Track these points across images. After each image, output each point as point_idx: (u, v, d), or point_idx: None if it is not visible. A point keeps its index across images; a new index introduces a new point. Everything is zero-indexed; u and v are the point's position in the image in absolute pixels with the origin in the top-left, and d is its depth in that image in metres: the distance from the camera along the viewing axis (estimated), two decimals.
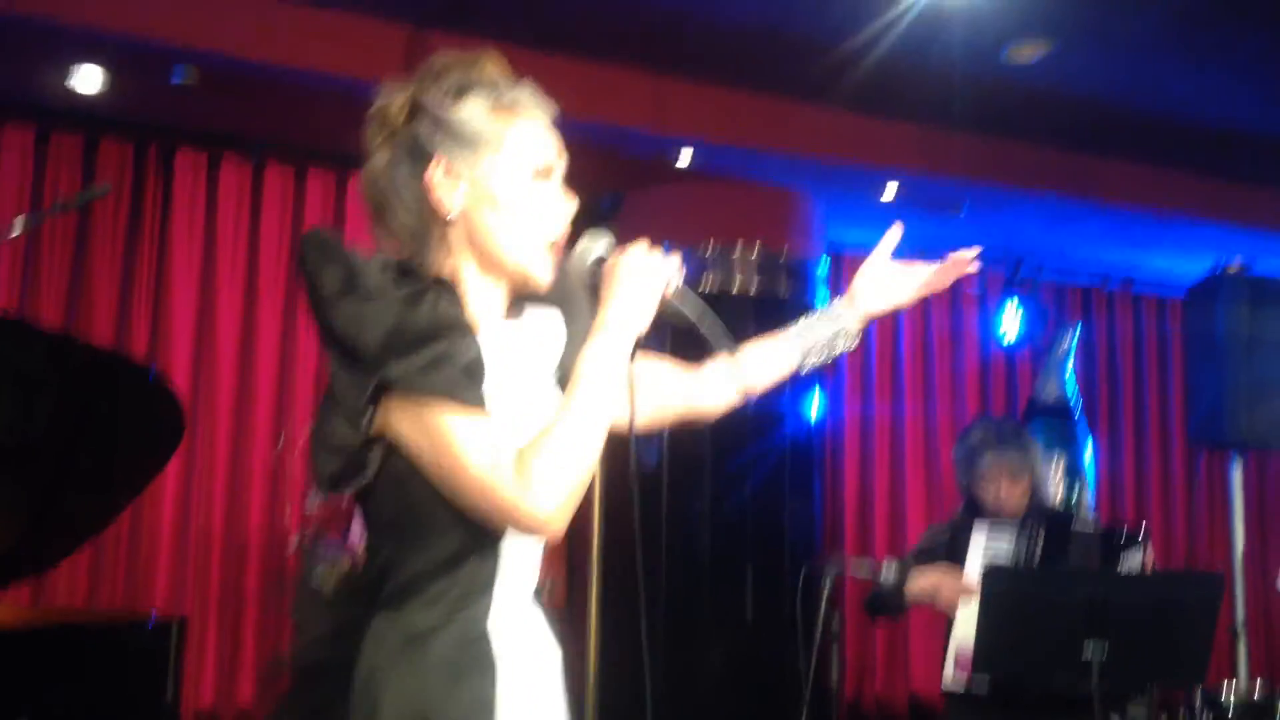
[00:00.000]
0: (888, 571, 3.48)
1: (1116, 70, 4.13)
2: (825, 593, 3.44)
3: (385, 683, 1.36)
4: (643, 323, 1.45)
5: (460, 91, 1.48)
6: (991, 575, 2.95)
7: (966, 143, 4.66)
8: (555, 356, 1.54)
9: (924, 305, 5.72)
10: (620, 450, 4.93)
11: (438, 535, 1.40)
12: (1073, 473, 5.22)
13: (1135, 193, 4.97)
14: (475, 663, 1.40)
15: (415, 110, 1.48)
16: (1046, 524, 3.31)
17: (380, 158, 1.49)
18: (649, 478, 4.55)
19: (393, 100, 1.49)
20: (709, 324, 1.50)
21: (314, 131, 4.38)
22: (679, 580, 4.45)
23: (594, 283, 1.50)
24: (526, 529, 1.37)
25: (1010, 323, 5.48)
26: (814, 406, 4.69)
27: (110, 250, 4.35)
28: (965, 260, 1.79)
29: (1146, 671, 2.98)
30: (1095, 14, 3.70)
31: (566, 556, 4.91)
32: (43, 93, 4.01)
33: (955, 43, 3.80)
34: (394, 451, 1.38)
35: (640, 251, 1.48)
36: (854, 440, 5.49)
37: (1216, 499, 6.04)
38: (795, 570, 3.94)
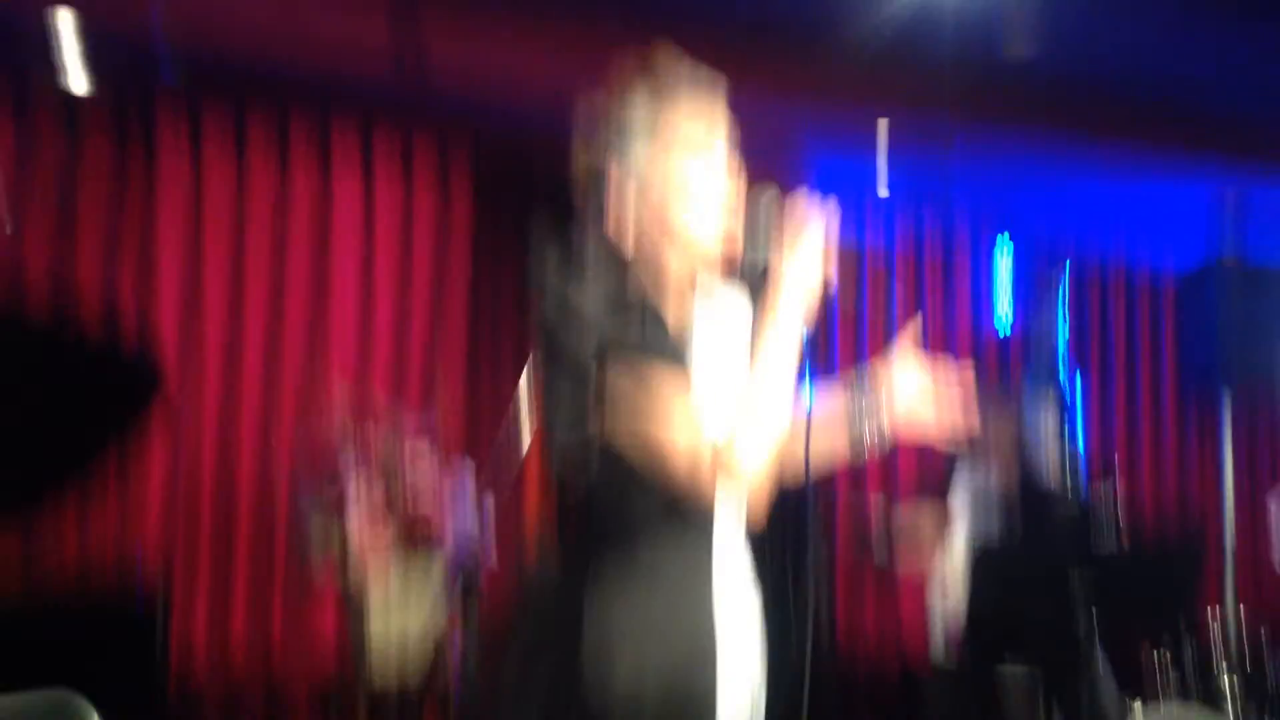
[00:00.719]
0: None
1: (1114, 50, 4.05)
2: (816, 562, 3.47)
3: (623, 657, 1.54)
4: (810, 301, 1.60)
5: (635, 108, 1.68)
6: (979, 556, 2.97)
7: (963, 124, 4.57)
8: (746, 333, 1.69)
9: (916, 279, 5.65)
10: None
11: (657, 522, 1.58)
12: (1063, 439, 5.21)
13: (1135, 174, 4.91)
14: (703, 644, 1.59)
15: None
16: (1025, 496, 3.33)
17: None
18: None
19: (579, 160, 1.74)
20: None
21: (296, 74, 4.29)
22: None
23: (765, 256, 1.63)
24: (727, 506, 1.55)
25: (1004, 302, 5.47)
26: (806, 382, 4.66)
27: (96, 200, 4.26)
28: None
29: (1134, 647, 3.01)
30: None
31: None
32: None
33: (948, 26, 3.72)
34: (617, 440, 1.55)
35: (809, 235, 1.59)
36: None
37: (1207, 436, 6.06)
38: (786, 547, 3.94)
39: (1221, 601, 4.88)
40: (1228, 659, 3.78)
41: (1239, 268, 4.82)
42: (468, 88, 4.29)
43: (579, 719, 1.54)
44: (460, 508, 3.57)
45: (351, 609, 3.42)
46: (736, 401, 1.55)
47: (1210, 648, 3.75)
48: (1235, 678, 3.69)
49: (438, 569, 3.41)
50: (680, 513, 1.58)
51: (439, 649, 2.11)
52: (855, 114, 4.49)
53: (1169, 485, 6.12)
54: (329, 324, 4.54)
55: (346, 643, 3.54)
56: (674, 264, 1.66)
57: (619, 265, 1.61)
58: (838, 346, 5.37)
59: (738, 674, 1.64)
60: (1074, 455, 5.16)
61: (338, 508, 3.39)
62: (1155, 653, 3.59)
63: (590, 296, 1.55)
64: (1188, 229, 5.25)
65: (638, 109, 1.66)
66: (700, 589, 1.61)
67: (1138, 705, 3.41)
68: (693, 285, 1.69)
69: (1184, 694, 3.59)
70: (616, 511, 1.58)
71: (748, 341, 1.67)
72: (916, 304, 5.57)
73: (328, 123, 4.60)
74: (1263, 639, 4.23)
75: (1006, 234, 5.44)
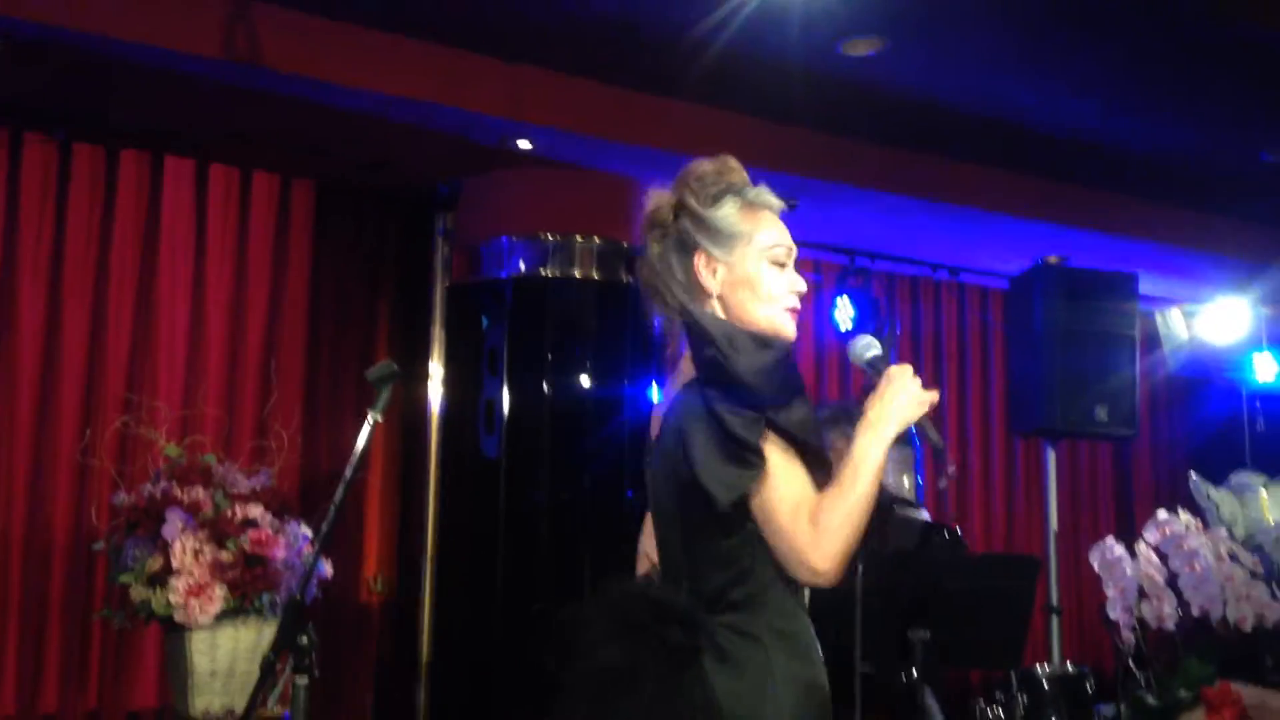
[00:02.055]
0: None
1: (945, 70, 4.25)
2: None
3: (770, 663, 1.77)
4: (899, 429, 1.84)
5: (717, 197, 1.92)
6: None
7: (803, 137, 4.72)
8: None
9: None
10: (460, 441, 4.78)
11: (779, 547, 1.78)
12: (904, 459, 5.38)
13: (963, 190, 5.12)
14: (817, 652, 1.85)
15: (680, 211, 1.93)
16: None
17: (654, 249, 1.95)
18: (487, 466, 4.47)
19: (662, 204, 1.95)
20: (941, 449, 2.11)
21: (127, 108, 4.12)
22: (516, 570, 4.39)
23: (868, 374, 1.95)
24: (807, 572, 1.77)
25: (844, 312, 5.59)
26: (654, 395, 4.69)
27: None
28: None
29: (967, 654, 3.08)
30: (926, 13, 3.79)
31: (399, 547, 4.79)
32: None
33: (792, 36, 3.83)
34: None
35: (911, 375, 1.87)
36: None
37: (1033, 484, 6.32)
38: (633, 560, 3.93)
39: (1049, 654, 5.08)
40: (1055, 710, 3.90)
41: (1062, 269, 5.10)
42: (310, 124, 4.20)
43: None
44: (294, 554, 3.42)
45: (173, 640, 3.22)
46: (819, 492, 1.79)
47: (1039, 700, 3.86)
48: None
49: (270, 605, 3.25)
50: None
51: (266, 681, 2.00)
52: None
53: (997, 536, 6.35)
54: (155, 369, 4.31)
55: (167, 672, 3.33)
56: (749, 319, 1.90)
57: (780, 342, 1.85)
58: None
59: None
60: (913, 484, 5.31)
61: (161, 553, 3.21)
62: (986, 706, 3.68)
63: (766, 366, 1.78)
64: (1017, 237, 5.51)
65: (730, 218, 1.90)
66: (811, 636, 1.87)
67: None
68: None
69: None
70: (751, 555, 1.80)
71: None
72: None
73: (159, 157, 4.41)
74: (1088, 690, 4.40)
75: (846, 295, 5.59)
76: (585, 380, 4.52)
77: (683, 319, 1.88)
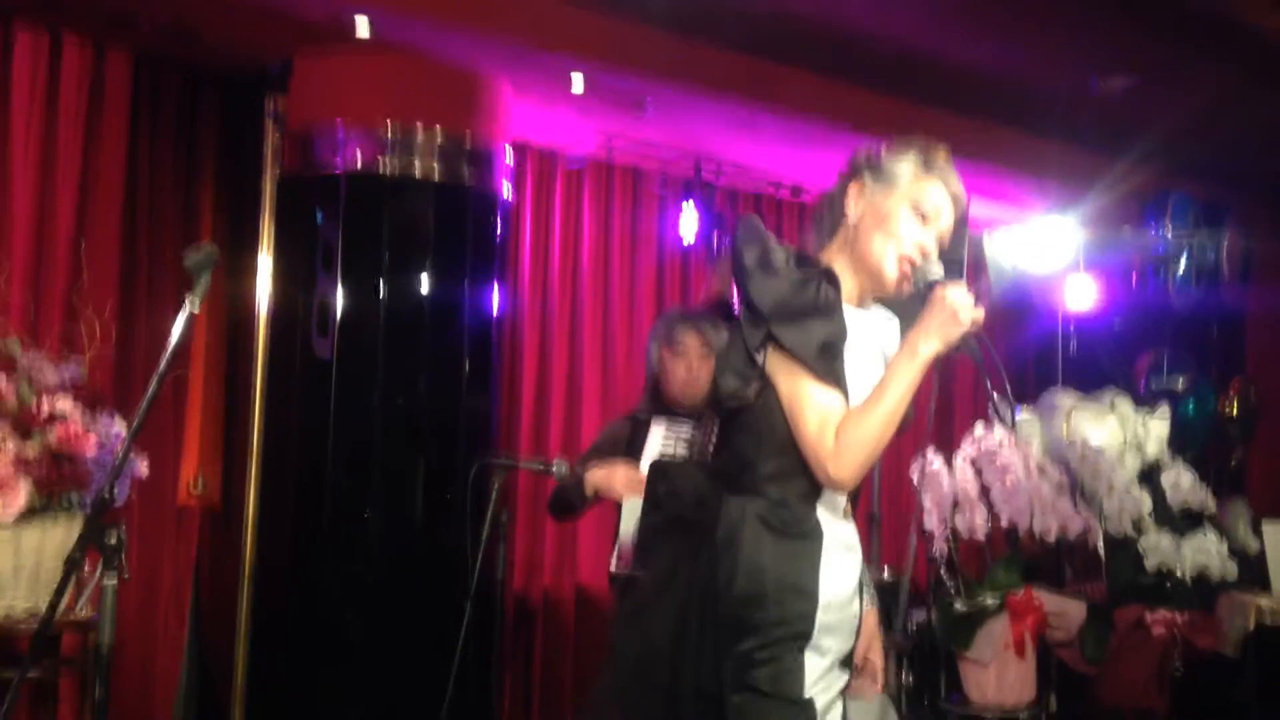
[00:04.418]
0: (560, 467, 3.49)
1: None
2: (495, 489, 3.42)
3: (755, 541, 2.00)
4: (943, 349, 1.99)
5: (902, 152, 2.16)
6: (656, 470, 3.00)
7: (654, 39, 4.63)
8: (889, 349, 2.12)
9: (605, 202, 5.71)
10: (290, 341, 4.59)
11: (784, 452, 2.03)
12: None
13: (811, 104, 5.13)
14: (812, 546, 2.03)
15: (868, 157, 2.19)
16: (720, 417, 3.41)
17: (838, 186, 2.21)
18: (319, 368, 4.31)
19: (862, 151, 2.22)
20: (993, 370, 2.03)
21: None
22: (347, 476, 4.28)
23: (924, 297, 2.05)
24: (826, 479, 2.01)
25: (688, 224, 5.58)
26: (493, 301, 4.59)
27: None
28: None
29: None
30: None
31: (224, 451, 4.60)
32: None
33: None
34: (768, 385, 2.03)
35: (960, 293, 2.00)
36: (533, 337, 5.46)
37: None
38: (468, 466, 3.88)
39: (869, 561, 5.29)
40: None
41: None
42: None
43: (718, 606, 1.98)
44: (106, 451, 3.23)
45: None
46: (859, 405, 2.00)
47: None
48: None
49: (80, 503, 3.07)
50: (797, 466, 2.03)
51: (70, 580, 1.88)
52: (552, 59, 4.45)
53: None
54: None
55: None
56: (857, 281, 2.13)
57: (815, 270, 2.05)
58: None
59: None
60: None
61: None
62: None
63: (781, 288, 1.99)
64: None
65: (901, 166, 2.12)
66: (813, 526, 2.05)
67: None
68: (862, 301, 2.15)
69: None
70: (756, 450, 2.05)
71: (886, 357, 2.10)
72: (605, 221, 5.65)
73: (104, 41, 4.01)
74: (903, 597, 4.62)
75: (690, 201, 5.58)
76: (423, 284, 4.38)
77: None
